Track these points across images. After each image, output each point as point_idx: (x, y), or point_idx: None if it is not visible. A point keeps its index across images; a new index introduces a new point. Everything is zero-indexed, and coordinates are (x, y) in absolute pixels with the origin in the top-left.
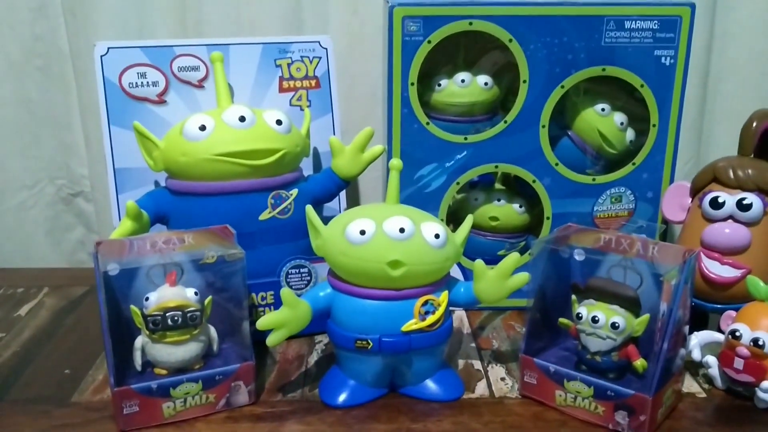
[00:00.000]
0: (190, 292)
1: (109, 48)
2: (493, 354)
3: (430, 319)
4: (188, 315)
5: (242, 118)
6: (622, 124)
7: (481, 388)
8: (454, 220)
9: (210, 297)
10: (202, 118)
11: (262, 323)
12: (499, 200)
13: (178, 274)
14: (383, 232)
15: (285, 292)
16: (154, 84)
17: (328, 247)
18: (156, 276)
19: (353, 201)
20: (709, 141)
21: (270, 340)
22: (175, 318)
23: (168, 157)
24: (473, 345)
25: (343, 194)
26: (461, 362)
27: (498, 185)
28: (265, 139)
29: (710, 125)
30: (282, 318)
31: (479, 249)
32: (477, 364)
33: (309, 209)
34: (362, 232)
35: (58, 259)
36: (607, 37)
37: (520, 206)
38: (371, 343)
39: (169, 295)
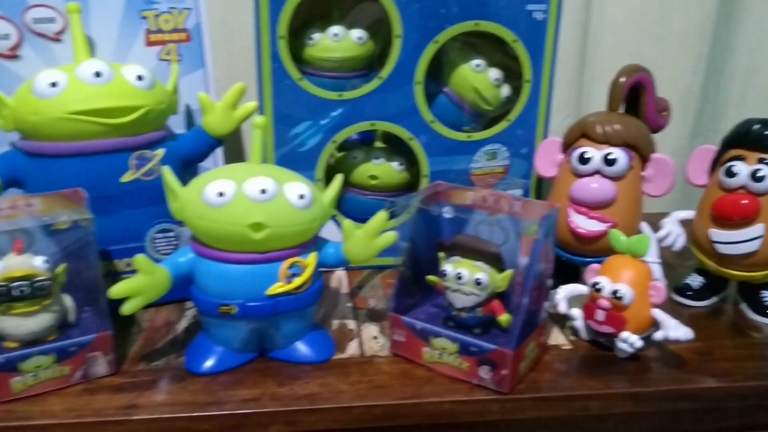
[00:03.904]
0: (38, 261)
1: None
2: (369, 313)
3: (297, 281)
4: (36, 284)
5: (98, 74)
6: (497, 80)
7: (352, 348)
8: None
9: (63, 265)
10: (54, 74)
11: (114, 291)
12: (378, 158)
13: (27, 242)
14: (243, 194)
15: (139, 258)
16: (5, 37)
17: (186, 211)
18: (2, 244)
19: (236, 159)
20: (589, 97)
21: (125, 309)
22: (22, 288)
23: (18, 117)
24: (349, 305)
25: (221, 154)
26: (336, 322)
27: (378, 143)
28: (124, 95)
29: (590, 81)
30: (137, 285)
31: (360, 208)
32: (351, 324)
33: (165, 170)
34: (221, 194)
35: None
36: None
37: (400, 164)
38: (236, 309)
39: (14, 265)
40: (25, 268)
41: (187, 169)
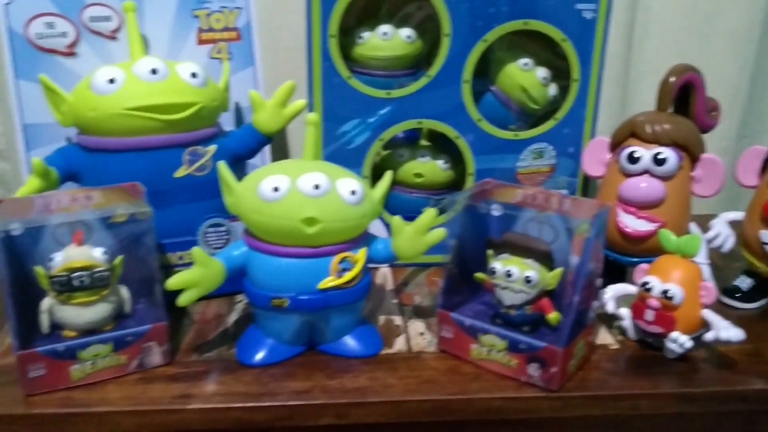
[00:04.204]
0: (97, 252)
1: None
2: (414, 309)
3: (347, 276)
4: (96, 275)
5: (154, 71)
6: (544, 78)
7: (399, 344)
8: (379, 176)
9: (121, 256)
10: (111, 71)
11: (171, 283)
12: (423, 156)
13: (86, 234)
14: (297, 189)
15: (196, 251)
16: (63, 35)
17: (241, 205)
18: (62, 235)
19: (282, 157)
20: (633, 97)
21: (181, 300)
22: (82, 279)
23: (77, 112)
24: (395, 301)
25: (268, 150)
26: (382, 318)
27: (423, 141)
28: (179, 92)
29: (634, 81)
30: (193, 277)
31: (404, 206)
32: (398, 320)
33: (221, 165)
34: (276, 189)
35: None
36: None
37: (445, 162)
38: (287, 302)
39: (74, 255)
40: (85, 259)
41: (236, 166)
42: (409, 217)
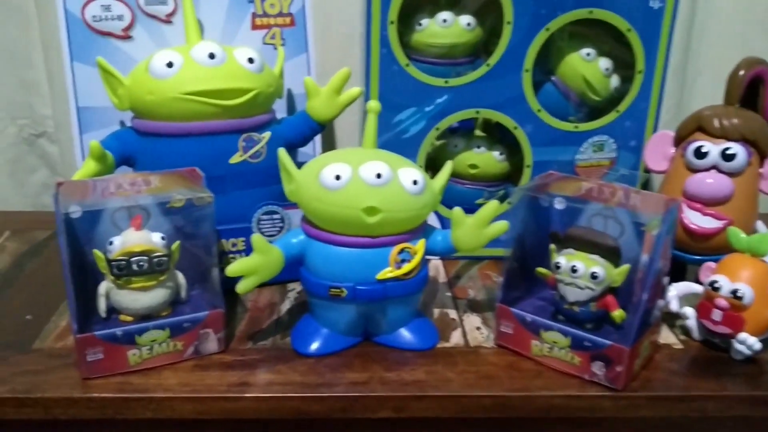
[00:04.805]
0: (156, 237)
1: None
2: (469, 303)
3: (406, 267)
4: (154, 260)
5: (212, 55)
6: (607, 69)
7: (456, 338)
8: (431, 167)
9: (178, 242)
10: (170, 54)
11: (232, 270)
12: (478, 147)
13: (144, 218)
14: (359, 178)
15: (256, 238)
16: (119, 18)
17: (301, 193)
18: (120, 219)
19: (329, 146)
20: (692, 90)
21: (240, 288)
22: (141, 263)
23: (134, 96)
24: (449, 294)
25: (318, 139)
26: (436, 311)
27: (478, 132)
28: (237, 77)
29: (693, 74)
30: (253, 264)
31: (457, 197)
32: (452, 314)
33: (282, 152)
34: (337, 177)
35: (21, 201)
36: None
37: (501, 153)
38: (345, 291)
39: (134, 240)
40: (144, 243)
41: (289, 154)
42: (463, 209)
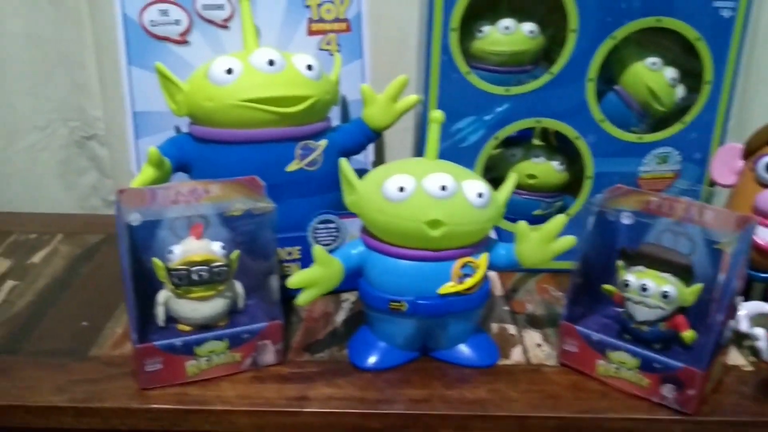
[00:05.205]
0: (216, 246)
1: None
2: (528, 318)
3: (469, 282)
4: (214, 270)
5: (271, 62)
6: (673, 79)
7: (516, 355)
8: (488, 177)
9: (237, 251)
10: (229, 61)
11: (293, 281)
12: (537, 156)
13: (204, 227)
14: (423, 190)
15: (317, 250)
16: (177, 22)
17: (363, 204)
18: (180, 228)
19: (379, 154)
20: (753, 101)
21: (300, 300)
22: (201, 273)
23: (192, 102)
24: (506, 308)
25: (370, 147)
26: (495, 326)
27: (536, 141)
28: (296, 85)
29: (755, 85)
30: (314, 276)
31: (513, 208)
32: (512, 329)
33: (344, 162)
34: (401, 189)
35: (70, 204)
36: None
37: (560, 164)
38: (406, 305)
39: (194, 249)
40: (204, 252)
41: None
42: (516, 220)
